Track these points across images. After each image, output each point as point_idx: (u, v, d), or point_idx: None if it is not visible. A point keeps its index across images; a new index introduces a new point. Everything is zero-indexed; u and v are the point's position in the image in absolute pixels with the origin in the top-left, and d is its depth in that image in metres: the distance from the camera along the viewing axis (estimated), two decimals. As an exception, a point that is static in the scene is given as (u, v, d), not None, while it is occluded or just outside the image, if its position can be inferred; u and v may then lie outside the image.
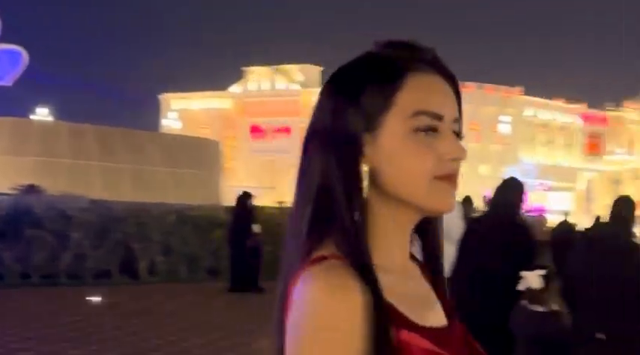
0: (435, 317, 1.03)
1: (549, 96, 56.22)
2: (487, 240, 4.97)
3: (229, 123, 61.09)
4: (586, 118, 56.47)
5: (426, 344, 0.97)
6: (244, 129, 61.52)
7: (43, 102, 47.75)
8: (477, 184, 46.67)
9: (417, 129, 0.98)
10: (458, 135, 1.02)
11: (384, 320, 0.92)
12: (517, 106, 53.38)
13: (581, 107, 57.00)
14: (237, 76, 64.78)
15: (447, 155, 0.98)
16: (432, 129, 0.99)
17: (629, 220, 4.84)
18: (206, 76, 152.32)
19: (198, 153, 24.94)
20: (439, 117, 0.99)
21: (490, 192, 5.55)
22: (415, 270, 1.07)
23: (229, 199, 17.83)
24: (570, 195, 52.28)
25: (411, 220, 1.03)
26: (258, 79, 62.45)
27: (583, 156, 55.68)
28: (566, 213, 20.49)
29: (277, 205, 17.12)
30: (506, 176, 6.54)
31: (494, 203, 5.29)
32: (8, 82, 24.47)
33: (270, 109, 58.79)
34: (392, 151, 0.98)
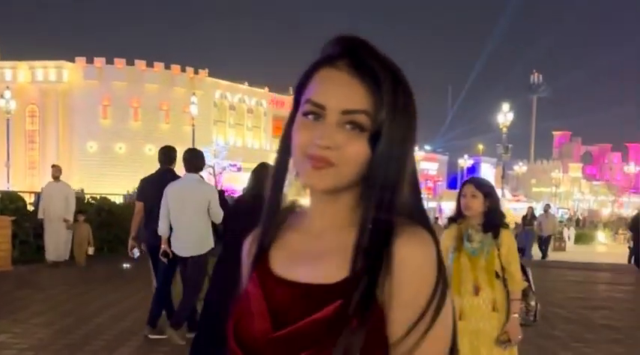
0: (307, 272, 1.15)
1: (234, 80, 57.55)
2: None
3: None
4: (271, 102, 58.79)
5: (255, 290, 1.20)
6: None
7: None
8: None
9: (304, 113, 1.15)
10: (357, 125, 1.11)
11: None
12: (206, 88, 53.71)
13: (265, 91, 59.17)
14: None
15: (315, 139, 1.11)
16: (314, 116, 1.13)
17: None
18: None
19: None
20: (321, 107, 1.12)
21: None
22: (333, 235, 1.18)
23: None
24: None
25: (317, 195, 1.20)
26: None
27: (271, 138, 57.97)
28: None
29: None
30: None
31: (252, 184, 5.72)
32: None
33: None
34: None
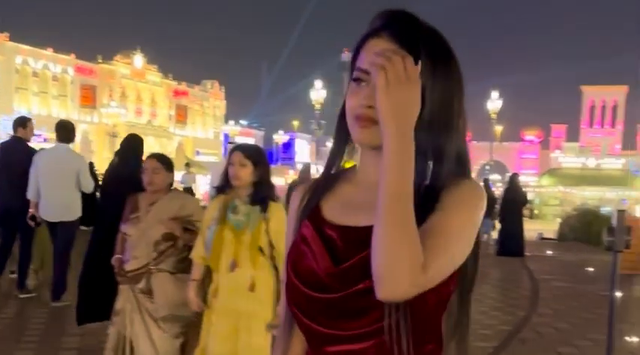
0: (360, 218, 1.29)
1: (38, 45, 53.88)
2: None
3: None
4: (78, 70, 55.66)
5: (310, 233, 1.35)
6: None
7: None
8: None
9: (353, 79, 1.29)
10: None
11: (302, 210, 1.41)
12: (6, 53, 49.82)
13: (71, 58, 55.86)
14: None
15: (361, 100, 1.26)
16: (360, 80, 1.27)
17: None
18: None
19: None
20: (366, 72, 1.25)
21: None
22: None
23: None
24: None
25: (369, 150, 1.34)
26: None
27: (78, 108, 54.92)
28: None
29: None
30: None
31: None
32: None
33: None
34: None
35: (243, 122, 77.73)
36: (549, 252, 15.84)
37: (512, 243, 14.48)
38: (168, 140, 57.55)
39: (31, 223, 7.44)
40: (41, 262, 8.44)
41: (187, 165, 29.15)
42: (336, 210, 1.36)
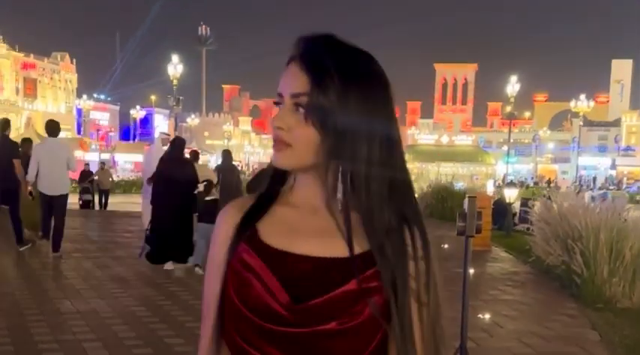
0: (313, 247, 1.22)
1: None
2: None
3: None
4: None
5: (254, 261, 1.23)
6: None
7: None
8: None
9: (275, 103, 1.27)
10: (302, 106, 1.21)
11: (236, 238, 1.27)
12: None
13: None
14: None
15: (273, 122, 1.24)
16: (278, 104, 1.26)
17: None
18: None
19: None
20: (280, 95, 1.25)
21: None
22: (329, 214, 1.23)
23: None
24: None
25: (302, 172, 1.28)
26: None
27: None
28: None
29: None
30: None
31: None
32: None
33: None
34: None
35: (97, 96, 74.89)
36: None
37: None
38: (16, 115, 54.37)
39: (30, 197, 10.61)
40: (35, 224, 11.11)
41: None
42: (282, 236, 1.26)
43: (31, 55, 61.32)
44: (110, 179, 24.99)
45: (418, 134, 61.92)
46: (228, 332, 1.25)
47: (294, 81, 1.22)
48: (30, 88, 60.40)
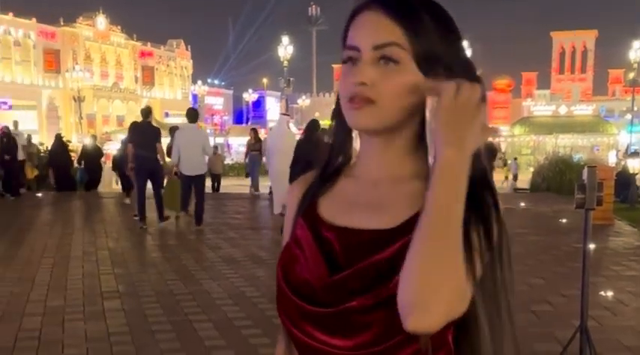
0: (364, 220, 1.15)
1: (-1, 10, 52.46)
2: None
3: None
4: (40, 34, 54.28)
5: (305, 236, 1.18)
6: None
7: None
8: None
9: (343, 61, 1.16)
10: (386, 58, 1.10)
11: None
12: (-36, 19, 48.42)
13: (32, 22, 54.44)
14: None
15: (352, 78, 1.12)
16: (351, 60, 1.14)
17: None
18: None
19: None
20: (356, 49, 1.13)
21: None
22: (392, 185, 1.17)
23: None
24: (34, 113, 50.24)
25: (368, 139, 1.19)
26: None
27: (42, 73, 53.67)
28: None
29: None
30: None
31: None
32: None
33: None
34: None
35: (211, 81, 76.79)
36: (522, 205, 15.74)
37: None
38: (135, 103, 56.55)
39: (175, 177, 11.80)
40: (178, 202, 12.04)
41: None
42: (335, 209, 1.21)
43: (148, 44, 63.56)
44: (222, 163, 25.46)
45: (534, 106, 59.90)
46: (279, 314, 1.20)
47: (377, 30, 1.11)
48: (148, 76, 62.69)
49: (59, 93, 53.58)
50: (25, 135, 20.83)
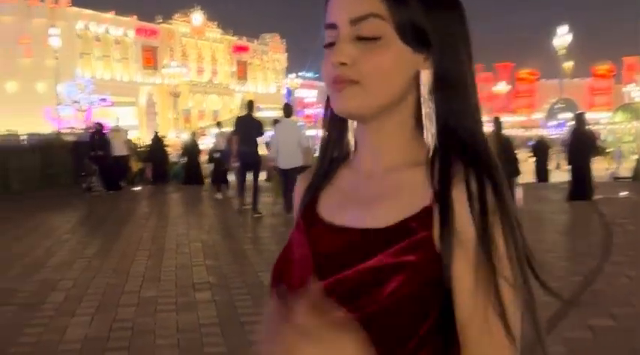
0: (355, 218, 1.03)
1: (99, 9, 54.41)
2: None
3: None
4: (139, 32, 56.06)
5: (300, 236, 1.09)
6: None
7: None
8: (34, 102, 43.15)
9: (325, 46, 1.03)
10: (369, 31, 0.98)
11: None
12: (67, 19, 50.39)
13: (132, 20, 56.26)
14: None
15: (330, 61, 1.01)
16: (332, 43, 1.02)
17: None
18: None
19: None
20: (333, 26, 1.01)
21: None
22: (386, 174, 1.05)
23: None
24: (134, 109, 52.00)
25: (361, 126, 1.08)
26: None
27: (141, 70, 55.49)
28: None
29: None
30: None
31: None
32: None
33: None
34: None
35: (305, 74, 77.29)
36: (623, 193, 15.08)
37: (580, 187, 13.72)
38: (230, 97, 57.64)
39: (276, 171, 12.11)
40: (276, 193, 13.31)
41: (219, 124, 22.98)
42: (333, 205, 1.10)
43: (243, 38, 64.54)
44: (312, 156, 25.51)
45: (637, 91, 57.38)
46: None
47: (354, 2, 0.99)
48: (242, 71, 63.78)
49: (157, 89, 55.18)
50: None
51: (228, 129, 16.30)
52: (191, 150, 20.13)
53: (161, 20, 57.95)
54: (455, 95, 1.01)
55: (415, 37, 0.99)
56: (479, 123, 1.03)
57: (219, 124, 21.07)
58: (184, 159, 20.41)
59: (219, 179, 16.32)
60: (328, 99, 1.10)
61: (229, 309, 6.20)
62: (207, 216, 13.13)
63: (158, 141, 21.17)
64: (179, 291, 6.93)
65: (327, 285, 0.97)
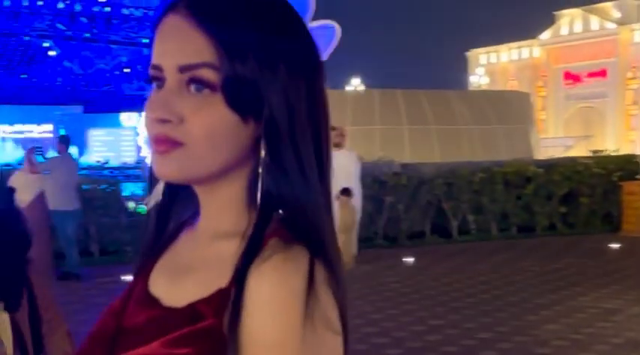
0: (162, 292, 0.89)
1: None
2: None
3: (538, 73, 52.33)
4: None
5: (121, 296, 0.93)
6: (556, 78, 51.64)
7: (356, 71, 37.63)
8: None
9: (150, 79, 0.85)
10: (196, 82, 0.81)
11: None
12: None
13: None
14: (547, 23, 53.92)
15: (152, 112, 0.82)
16: (157, 81, 0.84)
17: None
18: (515, 27, 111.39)
19: (508, 108, 22.53)
20: (159, 68, 0.83)
21: None
22: (210, 243, 0.88)
23: (542, 153, 21.23)
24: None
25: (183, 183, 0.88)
26: (570, 22, 51.79)
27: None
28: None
29: (591, 154, 17.45)
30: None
31: None
32: (324, 57, 24.40)
33: (583, 53, 49.29)
34: None
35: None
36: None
37: None
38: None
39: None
40: None
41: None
42: (158, 274, 0.93)
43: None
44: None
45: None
46: None
47: (183, 44, 0.82)
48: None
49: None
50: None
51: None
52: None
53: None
54: (279, 160, 0.83)
55: (246, 98, 0.82)
56: (311, 188, 0.83)
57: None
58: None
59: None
60: None
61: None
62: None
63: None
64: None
65: None
